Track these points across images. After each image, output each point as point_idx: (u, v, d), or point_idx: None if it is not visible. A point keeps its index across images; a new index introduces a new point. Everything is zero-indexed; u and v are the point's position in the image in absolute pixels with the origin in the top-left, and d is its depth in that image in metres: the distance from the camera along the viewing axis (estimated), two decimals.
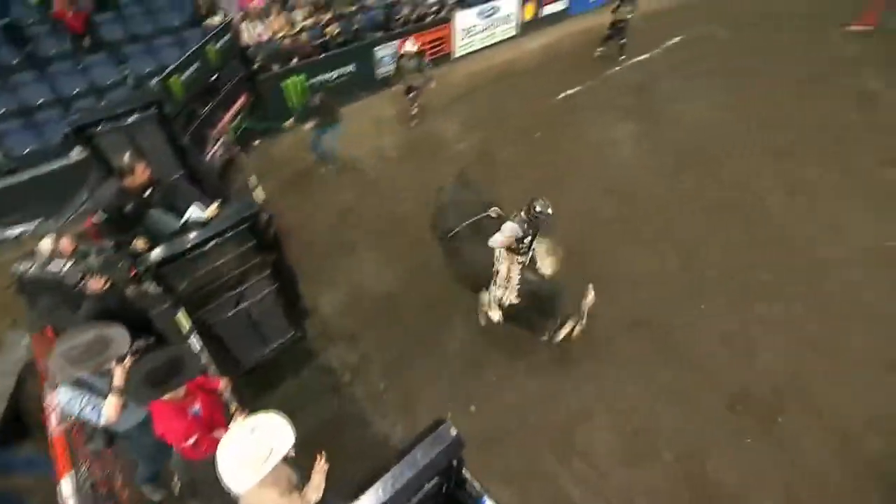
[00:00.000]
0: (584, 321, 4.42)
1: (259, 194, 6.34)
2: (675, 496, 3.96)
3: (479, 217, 4.75)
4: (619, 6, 9.20)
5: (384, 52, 8.42)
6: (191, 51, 6.24)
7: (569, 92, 8.99)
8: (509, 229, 4.10)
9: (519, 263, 4.31)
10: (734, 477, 4.08)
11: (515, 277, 4.33)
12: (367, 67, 8.36)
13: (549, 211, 4.10)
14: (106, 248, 3.73)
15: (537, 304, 4.45)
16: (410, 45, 7.26)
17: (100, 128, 4.27)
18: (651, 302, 5.33)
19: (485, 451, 3.94)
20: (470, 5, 9.72)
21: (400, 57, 7.34)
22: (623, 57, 9.67)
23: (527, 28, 10.94)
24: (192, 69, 6.22)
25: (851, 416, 4.47)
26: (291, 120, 6.83)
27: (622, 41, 9.59)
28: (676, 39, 10.84)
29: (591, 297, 4.35)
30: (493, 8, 9.89)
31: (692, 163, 7.33)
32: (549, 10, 11.25)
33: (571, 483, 4.02)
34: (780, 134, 8.01)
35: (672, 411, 4.46)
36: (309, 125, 6.51)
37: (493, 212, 4.85)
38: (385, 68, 8.59)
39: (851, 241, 6.18)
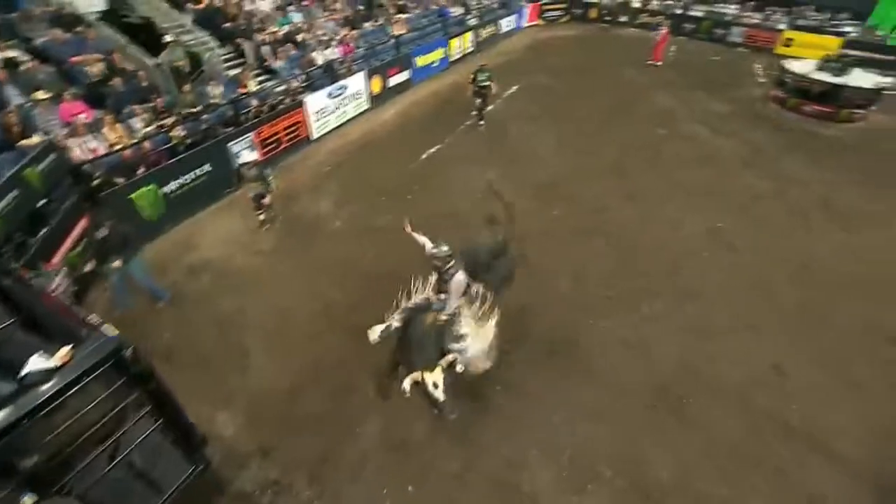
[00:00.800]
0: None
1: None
2: None
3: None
4: (475, 77, 10.04)
5: (240, 146, 8.23)
6: (4, 178, 5.48)
7: (430, 151, 9.57)
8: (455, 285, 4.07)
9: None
10: (670, 469, 4.32)
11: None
12: (225, 164, 8.06)
13: (444, 248, 4.11)
14: None
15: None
16: (248, 155, 7.17)
17: None
18: (555, 328, 5.64)
19: None
20: (318, 88, 10.04)
21: (240, 166, 7.10)
22: (482, 123, 10.60)
23: (377, 100, 11.58)
24: (9, 198, 5.45)
25: (735, 379, 5.10)
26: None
27: (483, 109, 10.48)
28: (513, 89, 12.35)
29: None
30: (341, 87, 10.34)
31: (553, 195, 8.18)
32: (394, 81, 12.10)
33: None
34: (610, 156, 9.58)
35: (598, 428, 4.64)
36: (114, 264, 5.44)
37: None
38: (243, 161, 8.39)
39: (689, 230, 7.35)
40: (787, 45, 16.27)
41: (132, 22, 9.36)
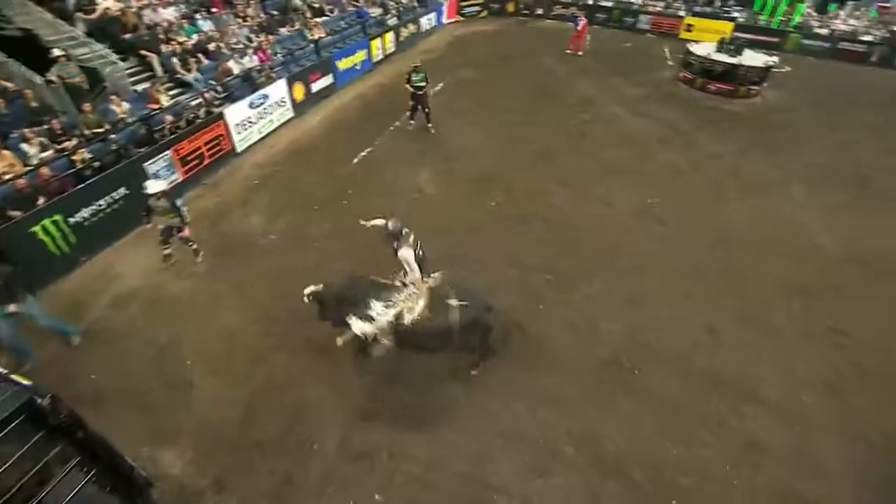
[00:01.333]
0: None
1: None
2: (589, 482, 4.20)
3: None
4: (409, 78, 9.63)
5: (157, 165, 7.66)
6: None
7: (362, 154, 9.42)
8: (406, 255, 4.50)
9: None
10: (624, 438, 4.53)
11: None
12: (142, 186, 7.45)
13: (399, 224, 4.58)
14: None
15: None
16: (155, 185, 6.18)
17: None
18: (504, 314, 5.68)
19: None
20: (238, 98, 9.58)
21: (147, 198, 6.12)
22: (430, 125, 10.22)
23: (302, 107, 11.22)
24: None
25: (675, 345, 5.45)
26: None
27: (426, 110, 10.00)
28: (439, 86, 12.40)
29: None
30: (262, 96, 9.92)
31: (489, 186, 8.32)
32: (317, 87, 11.77)
33: None
34: (537, 143, 9.91)
35: (556, 410, 4.78)
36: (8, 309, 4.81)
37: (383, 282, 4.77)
38: (164, 181, 7.79)
39: (621, 209, 7.75)
40: (689, 31, 17.55)
41: (9, 35, 8.41)
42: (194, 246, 6.68)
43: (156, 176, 6.43)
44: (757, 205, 7.98)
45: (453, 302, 4.45)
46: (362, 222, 5.11)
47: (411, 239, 4.69)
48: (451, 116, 10.90)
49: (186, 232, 6.45)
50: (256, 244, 7.06)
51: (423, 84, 9.68)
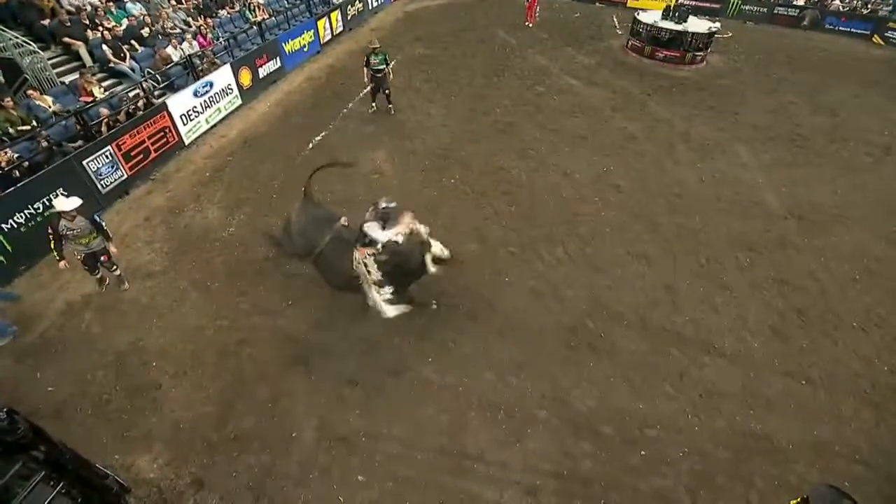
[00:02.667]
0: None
1: None
2: (563, 443, 4.39)
3: (336, 230, 4.99)
4: (368, 59, 9.26)
5: (98, 162, 7.21)
6: None
7: (317, 139, 9.18)
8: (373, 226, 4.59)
9: (371, 255, 4.66)
10: (594, 398, 4.75)
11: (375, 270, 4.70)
12: (83, 186, 7.00)
13: (393, 203, 4.64)
14: None
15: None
16: (66, 202, 5.09)
17: None
18: (471, 292, 5.82)
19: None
20: (180, 88, 9.10)
21: (54, 221, 5.16)
22: (391, 105, 9.96)
23: (250, 93, 10.77)
24: None
25: (636, 305, 5.70)
26: None
27: (387, 92, 9.72)
28: (392, 64, 12.11)
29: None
30: (206, 84, 9.44)
31: (447, 163, 8.32)
32: (264, 71, 11.30)
33: (479, 487, 4.10)
34: (495, 117, 9.98)
35: (525, 375, 4.94)
36: None
37: (344, 220, 5.11)
38: (107, 179, 7.38)
39: (579, 178, 7.93)
40: None
41: None
42: (118, 271, 5.88)
43: (60, 198, 5.11)
44: (705, 167, 8.32)
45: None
46: (343, 218, 5.19)
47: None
48: (406, 94, 10.75)
49: (113, 248, 5.61)
50: (215, 238, 6.82)
51: (382, 67, 9.38)
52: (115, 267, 5.82)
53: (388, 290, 4.84)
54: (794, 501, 2.71)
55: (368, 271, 4.73)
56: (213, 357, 5.20)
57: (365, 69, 9.46)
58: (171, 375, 5.04)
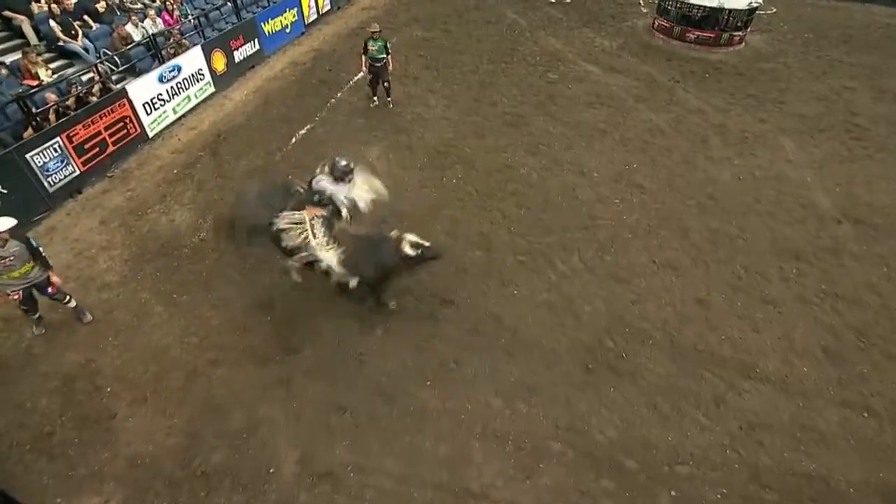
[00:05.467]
0: None
1: None
2: (580, 480, 4.39)
3: (292, 200, 5.28)
4: (366, 46, 9.28)
5: (46, 156, 7.29)
6: None
7: (301, 132, 9.28)
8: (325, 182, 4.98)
9: (321, 217, 5.02)
10: (614, 426, 4.75)
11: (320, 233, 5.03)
12: (26, 183, 7.05)
13: (351, 164, 5.03)
14: None
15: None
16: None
17: None
18: (474, 305, 5.86)
19: None
20: (143, 72, 9.22)
21: None
22: (389, 99, 10.04)
23: (224, 80, 10.92)
24: None
25: (663, 320, 5.73)
26: None
27: (386, 84, 9.76)
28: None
29: None
30: (173, 68, 9.57)
31: (448, 160, 8.42)
32: (240, 55, 11.45)
33: None
34: (502, 108, 10.08)
35: (536, 400, 4.96)
36: None
37: (300, 186, 5.44)
38: (56, 175, 7.44)
39: (597, 176, 8.01)
40: None
41: None
42: (72, 302, 5.69)
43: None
44: (744, 163, 8.38)
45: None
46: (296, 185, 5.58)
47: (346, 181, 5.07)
48: (402, 83, 10.85)
49: (55, 278, 5.37)
50: (183, 245, 6.88)
51: (382, 56, 9.35)
52: (67, 298, 5.63)
53: (340, 250, 5.05)
54: None
55: (314, 234, 4.96)
56: (180, 380, 5.23)
57: (363, 57, 9.47)
58: (129, 402, 5.06)
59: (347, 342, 5.45)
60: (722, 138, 9.07)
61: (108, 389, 5.19)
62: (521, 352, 5.40)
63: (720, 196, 7.63)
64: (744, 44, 13.07)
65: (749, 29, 13.06)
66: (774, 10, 15.26)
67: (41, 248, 5.25)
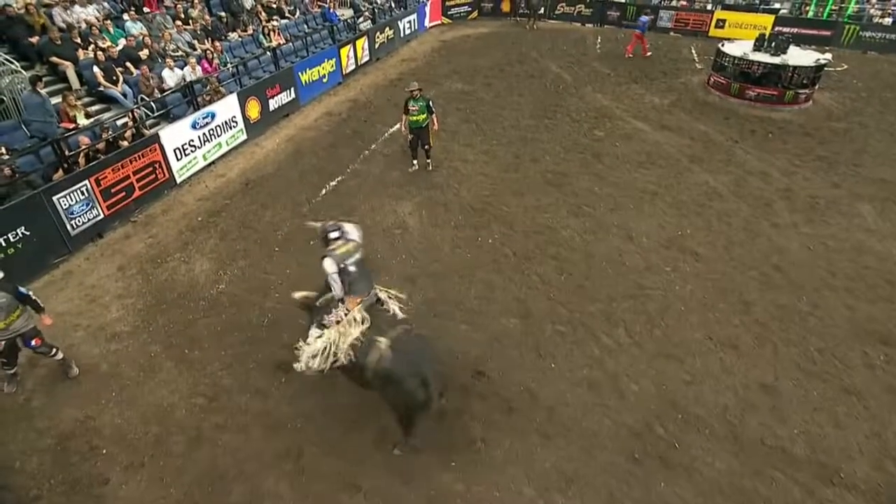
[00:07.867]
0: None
1: None
2: None
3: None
4: (407, 106, 9.20)
5: (72, 199, 7.70)
6: None
7: (332, 184, 9.60)
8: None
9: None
10: None
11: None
12: (50, 225, 7.42)
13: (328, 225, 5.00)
14: None
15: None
16: None
17: None
18: (508, 379, 5.70)
19: None
20: (177, 118, 9.81)
21: None
22: (429, 161, 9.99)
23: (257, 128, 11.52)
24: None
25: (722, 407, 5.41)
26: None
27: (426, 147, 9.68)
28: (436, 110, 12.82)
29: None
30: (207, 115, 10.17)
31: (485, 219, 8.49)
32: (275, 103, 12.11)
33: None
34: (544, 166, 10.22)
35: (574, 492, 4.68)
36: None
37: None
38: (79, 218, 7.82)
39: (646, 242, 7.89)
40: (720, 27, 18.42)
41: None
42: (59, 355, 5.74)
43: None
44: (815, 232, 8.14)
45: (382, 340, 4.56)
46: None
47: (343, 248, 4.88)
48: (439, 136, 11.13)
49: (47, 320, 5.48)
50: (201, 296, 7.05)
51: (424, 116, 9.26)
52: (53, 350, 5.66)
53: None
54: None
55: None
56: (182, 445, 5.20)
57: (403, 117, 9.45)
58: (125, 467, 5.04)
59: (368, 414, 5.33)
60: (788, 203, 8.89)
61: (104, 451, 5.19)
62: (557, 434, 5.17)
63: (787, 268, 7.38)
64: (811, 102, 13.05)
65: (817, 86, 13.07)
66: (846, 66, 15.28)
67: (30, 293, 5.33)
